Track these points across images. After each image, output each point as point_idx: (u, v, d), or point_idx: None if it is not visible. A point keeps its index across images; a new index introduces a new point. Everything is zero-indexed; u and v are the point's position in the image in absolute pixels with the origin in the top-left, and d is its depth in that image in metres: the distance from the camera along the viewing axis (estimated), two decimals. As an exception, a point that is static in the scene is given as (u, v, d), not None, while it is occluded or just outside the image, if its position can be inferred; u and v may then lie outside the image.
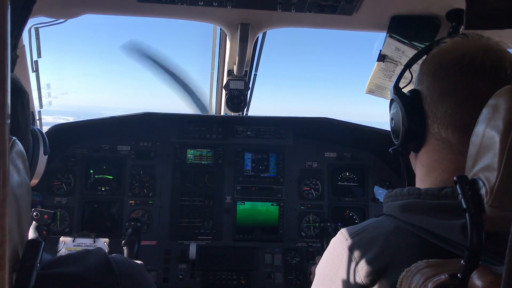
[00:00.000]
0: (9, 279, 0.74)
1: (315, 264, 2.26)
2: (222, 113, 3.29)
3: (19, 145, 0.82)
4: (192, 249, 2.77)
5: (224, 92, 2.91)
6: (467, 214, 0.73)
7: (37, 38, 2.31)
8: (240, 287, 2.80)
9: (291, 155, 3.08)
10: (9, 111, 0.55)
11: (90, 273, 0.97)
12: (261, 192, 3.00)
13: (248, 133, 3.07)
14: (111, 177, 2.94)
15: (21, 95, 1.10)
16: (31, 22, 2.17)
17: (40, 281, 0.85)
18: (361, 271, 0.95)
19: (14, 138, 0.79)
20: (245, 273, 2.84)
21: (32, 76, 2.49)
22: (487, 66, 0.95)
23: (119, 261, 1.07)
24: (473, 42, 1.00)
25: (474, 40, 1.01)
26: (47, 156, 1.38)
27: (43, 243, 0.84)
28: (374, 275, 0.92)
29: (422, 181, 1.06)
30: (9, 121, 0.55)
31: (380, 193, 3.07)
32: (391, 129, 1.16)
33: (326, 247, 1.18)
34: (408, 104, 1.06)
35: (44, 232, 2.13)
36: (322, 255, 1.21)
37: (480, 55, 0.96)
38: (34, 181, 1.35)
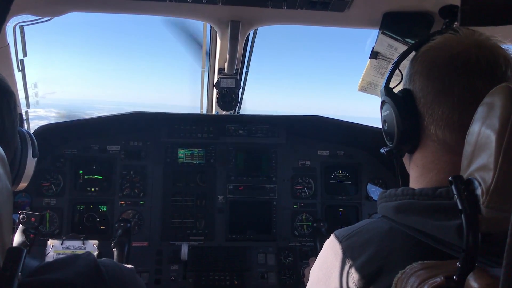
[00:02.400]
0: (-13, 290, 0.71)
1: (308, 264, 2.25)
2: (213, 112, 3.26)
3: None
4: (184, 249, 2.74)
5: (215, 90, 2.88)
6: (462, 215, 0.72)
7: (22, 37, 2.26)
8: (233, 287, 2.78)
9: (284, 154, 3.06)
10: None
11: (78, 279, 0.94)
12: (253, 191, 2.98)
13: (240, 131, 3.04)
14: (101, 178, 2.90)
15: (7, 95, 1.07)
16: (16, 20, 2.12)
17: None
18: (355, 274, 0.93)
19: None
20: (238, 274, 2.81)
21: (18, 76, 2.43)
22: (483, 63, 0.93)
23: (108, 266, 1.04)
24: (465, 39, 0.97)
25: (466, 36, 0.98)
26: (36, 159, 1.35)
27: (25, 250, 0.80)
28: (368, 278, 0.90)
29: (416, 182, 1.05)
30: None
31: (373, 191, 3.06)
32: (384, 131, 1.12)
33: (319, 247, 1.16)
34: (402, 106, 1.03)
35: (31, 235, 2.09)
36: (315, 256, 1.19)
37: (475, 52, 0.94)
38: (23, 184, 1.33)
